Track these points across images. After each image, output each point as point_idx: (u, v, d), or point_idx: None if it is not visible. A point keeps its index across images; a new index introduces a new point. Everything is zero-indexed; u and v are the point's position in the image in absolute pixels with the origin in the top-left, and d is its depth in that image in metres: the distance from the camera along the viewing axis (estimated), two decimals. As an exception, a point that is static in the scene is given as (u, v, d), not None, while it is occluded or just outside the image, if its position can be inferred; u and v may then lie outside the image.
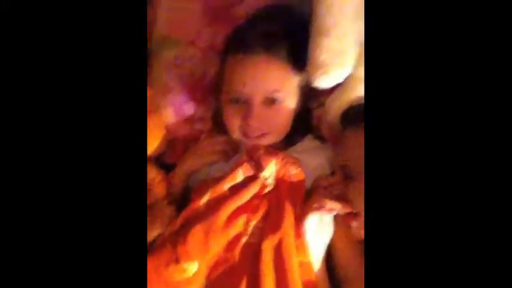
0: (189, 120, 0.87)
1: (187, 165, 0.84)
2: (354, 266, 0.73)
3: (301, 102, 0.78)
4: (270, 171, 0.74)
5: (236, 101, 0.76)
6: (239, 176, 0.74)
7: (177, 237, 0.69)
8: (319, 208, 0.71)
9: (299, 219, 0.71)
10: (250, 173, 0.74)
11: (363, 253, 0.70)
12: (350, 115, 0.75)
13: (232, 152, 0.83)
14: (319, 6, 0.69)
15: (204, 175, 0.82)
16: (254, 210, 0.71)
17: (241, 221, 0.70)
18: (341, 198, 0.72)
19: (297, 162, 0.76)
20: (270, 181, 0.74)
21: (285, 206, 0.71)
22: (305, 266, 0.70)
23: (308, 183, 0.76)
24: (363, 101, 0.72)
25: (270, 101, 0.75)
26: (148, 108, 0.80)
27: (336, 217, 0.74)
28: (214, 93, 0.84)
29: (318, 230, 0.73)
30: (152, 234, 0.73)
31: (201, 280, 0.68)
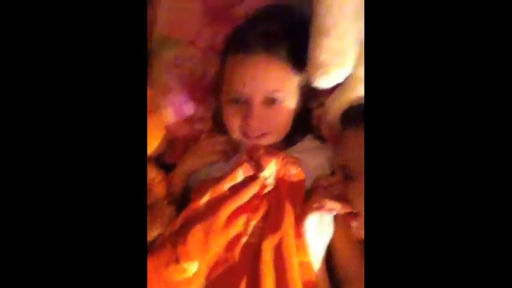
0: (189, 120, 0.87)
1: (187, 165, 0.84)
2: (354, 266, 0.73)
3: (301, 102, 0.78)
4: (270, 171, 0.74)
5: (236, 101, 0.76)
6: (239, 176, 0.74)
7: (177, 237, 0.69)
8: (319, 208, 0.71)
9: (299, 219, 0.71)
10: (250, 173, 0.74)
11: (363, 253, 0.70)
12: (350, 115, 0.75)
13: (232, 152, 0.83)
14: (319, 6, 0.69)
15: (204, 175, 0.82)
16: (254, 210, 0.71)
17: (241, 221, 0.70)
18: (341, 198, 0.72)
19: (297, 162, 0.76)
20: (270, 181, 0.74)
21: (285, 206, 0.71)
22: (305, 265, 0.70)
23: (308, 183, 0.76)
24: (363, 101, 0.72)
25: (270, 101, 0.75)
26: (148, 108, 0.80)
27: (336, 217, 0.74)
28: (214, 93, 0.84)
29: (318, 230, 0.72)
30: (152, 234, 0.73)
31: (201, 280, 0.68)
